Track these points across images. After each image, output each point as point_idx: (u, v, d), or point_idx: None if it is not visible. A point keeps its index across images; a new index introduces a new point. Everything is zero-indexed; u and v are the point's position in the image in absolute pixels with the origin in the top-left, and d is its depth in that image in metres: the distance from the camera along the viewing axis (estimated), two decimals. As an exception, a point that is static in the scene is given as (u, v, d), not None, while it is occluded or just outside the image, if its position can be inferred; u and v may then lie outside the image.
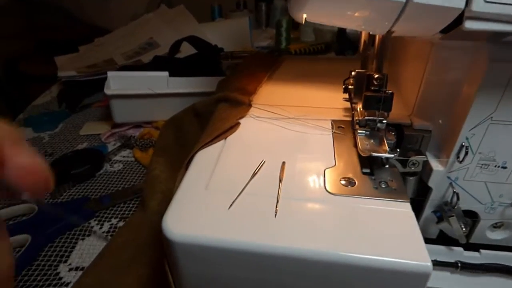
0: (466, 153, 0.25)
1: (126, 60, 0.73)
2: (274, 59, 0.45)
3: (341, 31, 0.75)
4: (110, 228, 0.35)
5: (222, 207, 0.20)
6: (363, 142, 0.24)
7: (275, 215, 0.19)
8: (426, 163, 0.27)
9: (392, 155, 0.22)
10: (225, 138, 0.27)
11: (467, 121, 0.24)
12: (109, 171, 0.44)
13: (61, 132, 0.54)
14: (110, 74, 0.51)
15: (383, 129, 0.26)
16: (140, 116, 0.52)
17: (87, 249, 0.32)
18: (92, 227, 0.35)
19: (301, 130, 0.28)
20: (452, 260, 0.29)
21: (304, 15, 0.22)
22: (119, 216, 0.36)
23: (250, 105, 0.32)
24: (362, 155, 0.23)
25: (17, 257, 0.29)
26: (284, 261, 0.18)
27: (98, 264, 0.29)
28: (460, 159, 0.25)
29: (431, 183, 0.27)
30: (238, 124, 0.29)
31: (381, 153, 0.23)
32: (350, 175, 0.23)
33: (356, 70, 0.27)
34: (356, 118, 0.26)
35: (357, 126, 0.26)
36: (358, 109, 0.27)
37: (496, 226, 0.29)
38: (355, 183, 0.22)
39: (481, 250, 0.29)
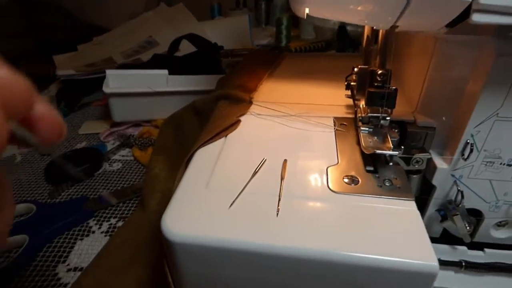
0: (471, 150, 0.25)
1: (125, 58, 0.73)
2: (274, 56, 0.45)
3: (342, 28, 0.74)
4: (109, 228, 0.34)
5: (222, 206, 0.20)
6: (366, 140, 0.24)
7: (277, 214, 0.19)
8: (430, 161, 0.26)
9: (396, 153, 0.22)
10: (226, 135, 0.27)
11: (472, 118, 0.24)
12: (108, 170, 0.43)
13: (59, 131, 0.54)
14: (108, 72, 0.50)
15: (387, 126, 0.25)
16: (139, 115, 0.51)
17: (86, 249, 0.32)
18: (91, 227, 0.34)
19: (303, 128, 0.28)
20: (456, 259, 0.28)
21: (306, 9, 0.22)
22: (118, 216, 0.36)
23: (250, 102, 0.31)
24: (366, 152, 0.23)
25: (14, 258, 0.29)
26: (286, 261, 0.17)
27: (97, 264, 0.28)
28: (465, 156, 0.25)
29: (435, 181, 0.27)
30: (238, 121, 0.28)
31: (385, 150, 0.22)
32: (353, 173, 0.22)
33: (359, 66, 0.27)
34: (359, 115, 0.25)
35: (360, 123, 0.25)
36: (361, 105, 0.26)
37: (500, 225, 0.29)
38: (358, 181, 0.22)
39: (485, 249, 0.29)
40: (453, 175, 0.26)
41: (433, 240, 0.29)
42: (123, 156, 0.47)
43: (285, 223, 0.18)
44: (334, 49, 0.78)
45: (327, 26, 0.82)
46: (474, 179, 0.26)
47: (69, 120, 0.57)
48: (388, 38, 0.24)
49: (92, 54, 0.74)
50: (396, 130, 0.27)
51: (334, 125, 0.28)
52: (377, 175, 0.22)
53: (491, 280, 0.28)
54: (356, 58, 0.42)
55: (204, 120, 0.31)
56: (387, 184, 0.21)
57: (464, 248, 0.29)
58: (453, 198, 0.27)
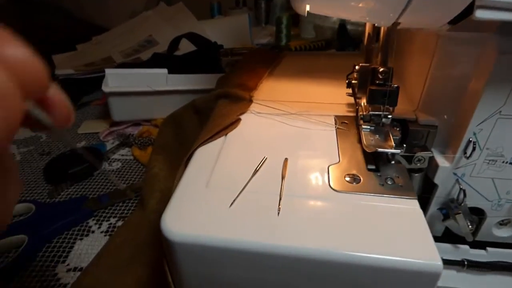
0: (474, 148, 0.24)
1: (124, 58, 0.72)
2: (274, 55, 0.44)
3: (342, 27, 0.74)
4: (109, 227, 0.34)
5: (223, 205, 0.19)
6: (368, 138, 0.24)
7: (278, 213, 0.19)
8: (431, 160, 0.26)
9: (398, 151, 0.22)
10: (226, 134, 0.26)
11: (474, 116, 0.23)
12: (107, 169, 0.43)
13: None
14: (108, 71, 0.50)
15: (388, 125, 0.25)
16: (139, 114, 0.51)
17: (86, 249, 0.31)
18: (90, 226, 0.34)
19: (304, 126, 0.27)
20: (458, 259, 0.28)
21: (307, 7, 0.21)
22: (117, 215, 0.35)
23: (251, 101, 0.31)
24: (367, 151, 0.23)
25: (14, 258, 0.29)
26: (287, 261, 0.17)
27: (96, 264, 0.28)
28: (467, 155, 0.25)
29: (437, 180, 0.26)
30: (238, 120, 0.28)
31: (387, 148, 0.22)
32: (355, 172, 0.22)
33: (360, 64, 0.26)
34: (360, 113, 0.25)
35: (361, 122, 0.25)
36: (362, 104, 0.26)
37: (502, 224, 0.29)
38: (360, 179, 0.21)
39: (488, 248, 0.28)
40: (455, 174, 0.26)
41: (435, 239, 0.29)
42: (122, 155, 0.46)
43: (287, 222, 0.18)
44: (334, 48, 0.78)
45: (327, 25, 0.82)
46: (477, 177, 0.26)
47: (68, 120, 0.56)
48: (389, 36, 0.24)
49: (91, 54, 0.74)
50: (397, 129, 0.27)
51: (335, 124, 0.27)
52: (379, 174, 0.22)
53: (493, 279, 0.28)
54: (357, 57, 0.42)
55: (204, 119, 0.31)
56: (389, 182, 0.21)
57: (466, 247, 0.28)
58: (455, 196, 0.27)
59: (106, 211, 0.36)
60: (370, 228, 0.18)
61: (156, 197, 0.33)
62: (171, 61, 0.57)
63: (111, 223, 0.34)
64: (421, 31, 0.28)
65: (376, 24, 0.24)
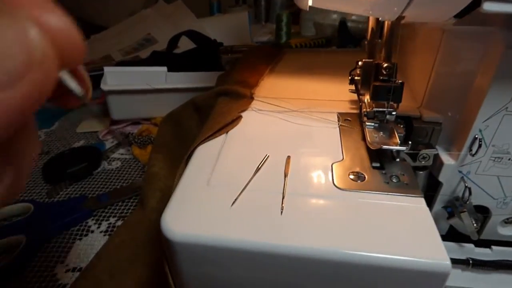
0: (480, 146, 0.24)
1: (123, 56, 0.72)
2: (275, 51, 0.44)
3: (343, 24, 0.73)
4: (108, 227, 0.33)
5: (224, 204, 0.19)
6: (372, 135, 0.23)
7: (281, 212, 0.18)
8: (436, 157, 0.26)
9: (404, 148, 0.21)
10: (227, 132, 0.26)
11: (480, 113, 0.23)
12: (107, 169, 0.43)
13: (57, 129, 0.53)
14: (106, 69, 0.49)
15: (392, 121, 0.25)
16: (138, 113, 0.51)
17: (85, 249, 0.31)
18: (89, 226, 0.34)
19: (306, 123, 0.27)
20: (463, 257, 0.28)
21: (309, 1, 0.21)
22: (117, 215, 0.35)
23: (252, 98, 0.30)
24: (371, 148, 0.22)
25: (11, 259, 0.28)
26: (291, 261, 0.17)
27: (95, 264, 0.28)
28: (473, 152, 0.24)
29: (441, 178, 0.26)
30: (239, 117, 0.27)
31: (392, 145, 0.21)
32: (359, 170, 0.22)
33: (364, 60, 0.26)
34: (364, 110, 0.25)
35: (365, 118, 0.25)
36: (366, 100, 0.26)
37: (508, 222, 0.28)
38: (364, 177, 0.21)
39: (493, 247, 0.28)
40: (460, 171, 0.26)
41: (440, 237, 0.29)
42: (122, 154, 0.46)
43: (290, 221, 0.18)
44: (335, 45, 0.77)
45: (327, 23, 0.81)
46: (482, 175, 0.26)
47: (67, 119, 0.56)
48: (393, 30, 0.23)
49: (90, 52, 0.73)
50: (401, 126, 0.26)
51: (338, 121, 0.27)
52: (383, 172, 0.21)
53: (498, 278, 0.28)
54: (359, 53, 0.42)
55: (204, 117, 0.30)
56: (394, 180, 0.21)
57: (471, 245, 0.28)
58: (460, 194, 0.27)
59: (106, 210, 0.36)
60: (375, 227, 0.17)
61: (156, 196, 0.33)
62: (170, 59, 0.56)
63: (110, 223, 0.34)
64: (425, 26, 0.27)
65: (380, 19, 0.23)
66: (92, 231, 0.33)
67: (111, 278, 0.26)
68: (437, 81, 0.26)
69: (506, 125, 0.23)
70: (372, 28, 0.25)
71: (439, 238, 0.17)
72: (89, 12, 0.94)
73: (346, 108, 0.29)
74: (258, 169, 0.22)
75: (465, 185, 0.26)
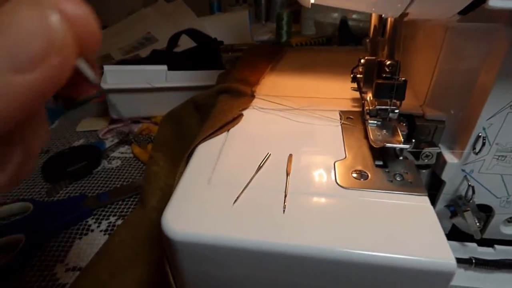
0: (483, 144, 0.24)
1: (123, 55, 0.71)
2: (276, 49, 0.44)
3: (343, 23, 0.73)
4: (108, 226, 0.33)
5: (226, 203, 0.19)
6: (375, 133, 0.23)
7: (284, 210, 0.18)
8: (439, 156, 0.26)
9: (407, 146, 0.21)
10: (228, 130, 0.26)
11: (484, 110, 0.23)
12: (107, 168, 0.42)
13: (57, 128, 0.53)
14: (106, 68, 0.49)
15: (395, 120, 0.24)
16: (138, 111, 0.50)
17: (85, 249, 0.31)
18: (89, 225, 0.33)
19: (308, 121, 0.27)
20: (466, 257, 0.27)
21: (312, -3, 0.21)
22: (117, 214, 0.35)
23: (253, 96, 0.30)
24: (374, 146, 0.22)
25: (10, 258, 0.28)
26: (294, 260, 0.16)
27: (96, 264, 0.27)
28: (477, 150, 0.24)
29: (444, 176, 0.26)
30: (241, 115, 0.27)
31: (395, 144, 0.21)
32: (362, 168, 0.21)
33: (366, 57, 0.26)
34: (366, 108, 0.25)
35: (367, 116, 0.24)
36: (368, 98, 0.25)
37: (511, 221, 0.28)
38: (367, 176, 0.21)
39: (496, 246, 0.28)
40: (463, 170, 0.25)
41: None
42: (122, 153, 0.46)
43: (293, 220, 0.18)
44: (335, 44, 0.77)
45: (328, 21, 0.81)
46: (485, 173, 0.25)
47: (66, 118, 0.56)
48: (396, 28, 0.23)
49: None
50: (404, 124, 0.26)
51: (340, 119, 0.27)
52: (387, 170, 0.21)
53: (502, 277, 0.27)
54: (360, 52, 0.41)
55: (205, 115, 0.30)
56: (398, 179, 0.20)
57: (474, 245, 0.28)
58: (463, 193, 0.26)
59: (106, 209, 0.35)
60: (379, 225, 0.17)
61: (156, 195, 0.32)
62: (170, 58, 0.56)
63: (110, 222, 0.34)
64: (429, 23, 0.27)
65: (383, 16, 0.23)
66: (92, 230, 0.33)
67: (112, 278, 0.26)
68: (440, 79, 0.26)
69: (510, 123, 0.23)
70: (375, 26, 0.25)
71: (444, 237, 0.16)
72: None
73: (348, 106, 0.29)
74: (259, 168, 0.21)
75: (468, 183, 0.26)
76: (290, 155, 0.22)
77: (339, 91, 0.31)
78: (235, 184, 0.20)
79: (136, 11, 0.86)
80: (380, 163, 0.22)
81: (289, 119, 0.27)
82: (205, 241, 0.17)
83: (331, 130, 0.25)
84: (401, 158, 0.22)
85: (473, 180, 0.26)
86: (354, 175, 0.21)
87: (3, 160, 0.10)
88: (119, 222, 0.34)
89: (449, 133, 0.26)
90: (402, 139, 0.22)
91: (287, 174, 0.21)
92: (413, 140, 0.21)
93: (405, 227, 0.17)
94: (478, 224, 0.26)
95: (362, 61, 0.26)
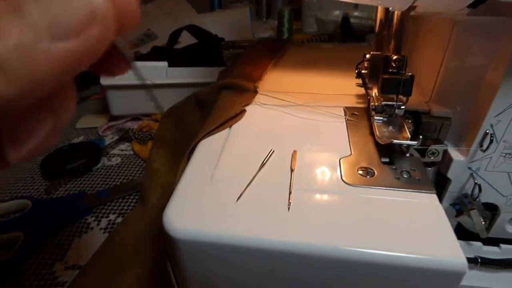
0: (491, 141, 0.23)
1: (123, 52, 0.71)
2: (278, 46, 0.43)
3: (345, 20, 0.73)
4: (108, 224, 0.33)
5: (228, 200, 0.18)
6: (381, 129, 0.22)
7: (289, 208, 0.18)
8: (445, 153, 0.25)
9: (415, 142, 0.20)
10: (230, 126, 0.25)
11: (492, 107, 0.22)
12: (106, 165, 0.42)
13: (56, 125, 0.52)
14: (106, 64, 0.48)
15: (400, 116, 0.24)
16: (138, 108, 0.50)
17: (84, 247, 0.30)
18: (89, 223, 0.33)
19: (312, 118, 0.26)
20: (471, 256, 0.27)
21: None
22: (117, 211, 0.34)
23: (255, 92, 0.30)
24: (381, 143, 0.22)
25: (8, 257, 0.28)
26: (299, 259, 0.16)
27: (95, 262, 0.27)
28: (484, 147, 0.24)
29: (450, 174, 0.25)
30: (243, 111, 0.27)
31: (402, 140, 0.21)
32: (368, 165, 0.21)
33: (371, 52, 0.25)
34: (372, 104, 0.24)
35: (373, 113, 0.24)
36: (374, 94, 0.25)
37: (516, 220, 0.28)
38: (374, 173, 0.20)
39: (501, 245, 0.27)
40: (469, 168, 0.25)
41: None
42: (122, 150, 0.45)
43: (298, 218, 0.17)
44: (337, 42, 0.76)
45: (330, 19, 0.80)
46: (492, 171, 0.25)
47: (66, 114, 0.55)
48: (403, 21, 0.22)
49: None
50: (409, 121, 0.25)
51: (345, 115, 0.26)
52: (393, 167, 0.21)
53: (507, 277, 0.27)
54: (363, 48, 0.41)
55: (206, 112, 0.30)
56: (405, 176, 0.20)
57: (479, 243, 0.27)
58: (469, 191, 0.26)
59: (105, 207, 0.35)
60: (387, 224, 0.17)
61: (157, 193, 0.32)
62: (171, 54, 0.55)
63: (110, 220, 0.33)
64: (435, 17, 0.27)
65: (390, 8, 0.22)
66: (92, 228, 0.32)
67: (112, 276, 0.25)
68: (447, 75, 0.25)
69: (519, 120, 0.22)
70: (381, 20, 0.25)
71: (454, 236, 0.16)
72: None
73: (353, 102, 0.29)
74: (263, 164, 0.21)
75: (474, 181, 0.25)
76: (294, 152, 0.22)
77: (343, 87, 0.31)
78: (238, 180, 0.20)
79: (136, 8, 0.85)
80: (386, 160, 0.22)
81: (293, 115, 0.27)
82: (207, 239, 0.17)
83: (335, 126, 0.25)
84: (407, 155, 0.22)
85: (479, 178, 0.25)
86: (360, 172, 0.20)
87: (35, 126, 0.10)
88: (119, 220, 0.33)
89: (455, 130, 0.26)
90: (409, 135, 0.21)
91: (292, 171, 0.20)
92: (421, 137, 0.21)
93: (414, 226, 0.17)
94: (483, 223, 0.26)
95: (368, 56, 0.26)
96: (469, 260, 0.27)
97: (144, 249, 0.27)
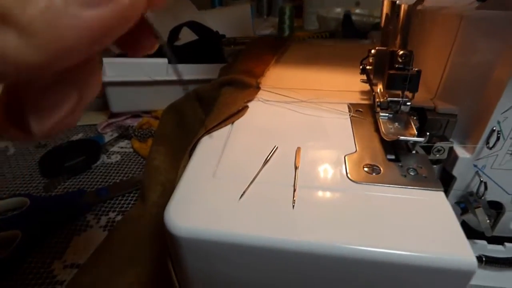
0: (498, 138, 0.23)
1: (123, 48, 0.70)
2: (280, 42, 0.43)
3: (347, 17, 0.72)
4: (108, 222, 0.32)
5: (231, 197, 0.18)
6: (387, 126, 0.22)
7: (293, 206, 0.17)
8: (450, 150, 0.25)
9: (422, 139, 0.20)
10: (232, 122, 0.25)
11: (499, 103, 0.22)
12: (106, 162, 0.42)
13: (55, 122, 0.52)
14: (105, 60, 0.48)
15: (405, 112, 0.23)
16: (138, 105, 0.49)
17: (84, 245, 0.30)
18: (88, 221, 0.32)
19: (316, 114, 0.26)
20: (475, 254, 0.27)
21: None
22: (117, 209, 0.34)
23: (258, 88, 0.29)
24: (387, 139, 0.21)
25: (6, 255, 0.27)
26: (305, 258, 0.16)
27: (95, 261, 0.27)
28: (490, 145, 0.23)
29: (455, 172, 0.25)
30: (246, 107, 0.26)
31: (409, 137, 0.20)
32: (373, 162, 0.20)
33: (377, 48, 0.25)
34: (377, 100, 0.24)
35: (378, 109, 0.23)
36: (379, 90, 0.24)
37: (521, 218, 0.27)
38: (380, 170, 0.20)
39: (506, 243, 0.27)
40: (475, 165, 0.25)
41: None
42: (121, 148, 0.45)
43: (303, 216, 0.17)
44: (339, 39, 0.76)
45: (331, 16, 0.79)
46: (498, 169, 0.25)
47: (65, 112, 0.55)
48: (410, 16, 0.22)
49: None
50: (415, 118, 0.25)
51: (349, 112, 0.26)
52: (400, 164, 0.20)
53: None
54: (366, 45, 0.40)
55: (208, 108, 0.29)
56: (411, 173, 0.19)
57: (484, 242, 0.27)
58: (474, 189, 0.26)
59: (105, 205, 0.34)
60: (394, 222, 0.16)
61: (157, 191, 0.31)
62: (172, 51, 0.54)
63: (110, 218, 0.33)
64: (442, 12, 0.26)
65: (397, 2, 0.22)
66: (91, 227, 0.32)
67: (111, 275, 0.25)
68: (453, 71, 0.25)
69: (527, 116, 0.22)
70: (387, 14, 0.24)
71: (463, 234, 0.16)
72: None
73: (357, 98, 0.28)
74: (266, 161, 0.20)
75: (480, 179, 0.25)
76: (298, 148, 0.22)
77: (347, 84, 0.31)
78: (241, 178, 0.19)
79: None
80: (392, 157, 0.21)
81: (296, 112, 0.26)
82: (210, 237, 0.16)
83: (340, 123, 0.25)
84: (413, 152, 0.21)
85: (485, 176, 0.25)
86: (366, 169, 0.20)
87: (60, 99, 0.10)
88: (119, 218, 0.33)
89: (461, 127, 0.25)
90: (416, 132, 0.21)
91: (296, 168, 0.20)
92: (427, 133, 0.20)
93: (422, 224, 0.16)
94: (488, 221, 0.25)
95: (373, 51, 0.25)
96: (474, 259, 0.26)
97: (144, 248, 0.27)
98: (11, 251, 0.27)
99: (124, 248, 0.27)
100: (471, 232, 0.27)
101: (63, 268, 0.28)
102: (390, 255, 0.15)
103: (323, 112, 0.26)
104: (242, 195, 0.18)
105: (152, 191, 0.32)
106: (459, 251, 0.15)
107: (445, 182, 0.26)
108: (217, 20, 0.75)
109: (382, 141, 0.22)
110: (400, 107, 0.23)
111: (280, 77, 0.32)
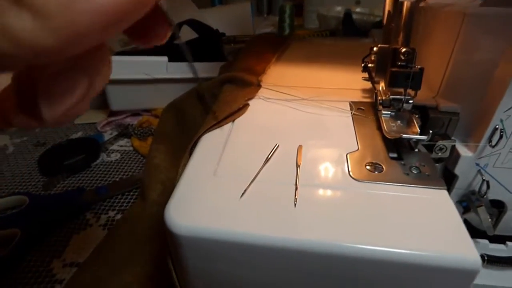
0: (501, 136, 0.23)
1: (123, 47, 0.70)
2: (281, 40, 0.42)
3: (347, 16, 0.72)
4: (107, 221, 0.32)
5: (232, 196, 0.18)
6: (389, 124, 0.22)
7: (295, 204, 0.17)
8: (452, 149, 0.25)
9: (424, 137, 0.20)
10: (233, 120, 0.24)
11: (502, 101, 0.22)
12: (105, 161, 0.41)
13: (54, 121, 0.51)
14: (105, 58, 0.48)
15: (408, 111, 0.23)
16: (138, 103, 0.49)
17: (83, 244, 0.30)
18: (88, 220, 0.32)
19: (317, 112, 0.25)
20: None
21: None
22: (116, 208, 0.34)
23: (259, 86, 0.29)
24: (389, 137, 0.21)
25: (5, 254, 0.27)
26: (307, 257, 0.15)
27: (94, 260, 0.26)
28: (493, 143, 0.23)
29: (457, 171, 0.25)
30: (247, 105, 0.26)
31: (412, 135, 0.20)
32: (376, 160, 0.20)
33: (379, 45, 0.24)
34: (379, 98, 0.23)
35: (380, 107, 0.23)
36: (381, 88, 0.24)
37: (523, 217, 0.27)
38: (382, 168, 0.20)
39: (508, 242, 0.27)
40: (477, 164, 0.24)
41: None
42: (121, 146, 0.44)
43: (305, 214, 0.16)
44: (339, 38, 0.75)
45: (331, 15, 0.79)
46: (500, 168, 0.25)
47: (64, 110, 0.54)
48: (412, 13, 0.22)
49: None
50: (417, 116, 0.25)
51: (351, 109, 0.26)
52: (402, 162, 0.20)
53: (514, 275, 0.27)
54: (367, 43, 0.40)
55: (208, 106, 0.29)
56: (414, 171, 0.19)
57: (486, 241, 0.27)
58: (476, 188, 0.25)
59: (105, 203, 0.34)
60: (397, 220, 0.16)
61: (157, 189, 0.31)
62: (171, 49, 0.54)
63: (109, 216, 0.33)
64: (445, 9, 0.26)
65: (400, -1, 0.21)
66: (91, 225, 0.32)
67: (111, 274, 0.25)
68: (456, 69, 0.25)
69: (530, 115, 0.22)
70: (389, 11, 0.24)
71: (467, 233, 0.15)
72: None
73: (359, 96, 0.28)
74: (267, 159, 0.20)
75: (482, 178, 0.25)
76: (300, 147, 0.21)
77: (348, 82, 0.30)
78: (242, 176, 0.19)
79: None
80: (395, 155, 0.21)
81: (298, 110, 0.26)
82: (211, 236, 0.16)
83: (341, 121, 0.24)
84: (416, 150, 0.21)
85: (487, 174, 0.25)
86: (368, 167, 0.20)
87: (71, 86, 0.10)
88: (119, 216, 0.33)
89: (463, 126, 0.25)
90: (419, 130, 0.21)
91: (297, 166, 0.20)
92: (430, 131, 0.20)
93: (425, 222, 0.16)
94: (490, 220, 0.25)
95: (375, 49, 0.25)
96: (476, 258, 0.26)
97: (144, 246, 0.27)
98: (10, 249, 0.27)
99: (124, 247, 0.27)
100: (473, 231, 0.27)
101: (63, 266, 0.28)
102: (393, 254, 0.15)
103: (325, 110, 0.26)
104: (243, 193, 0.18)
105: (152, 190, 0.31)
106: (463, 249, 0.15)
107: (447, 180, 0.26)
108: (217, 19, 0.75)
109: (384, 139, 0.22)
110: (403, 105, 0.22)
111: (281, 75, 0.32)
